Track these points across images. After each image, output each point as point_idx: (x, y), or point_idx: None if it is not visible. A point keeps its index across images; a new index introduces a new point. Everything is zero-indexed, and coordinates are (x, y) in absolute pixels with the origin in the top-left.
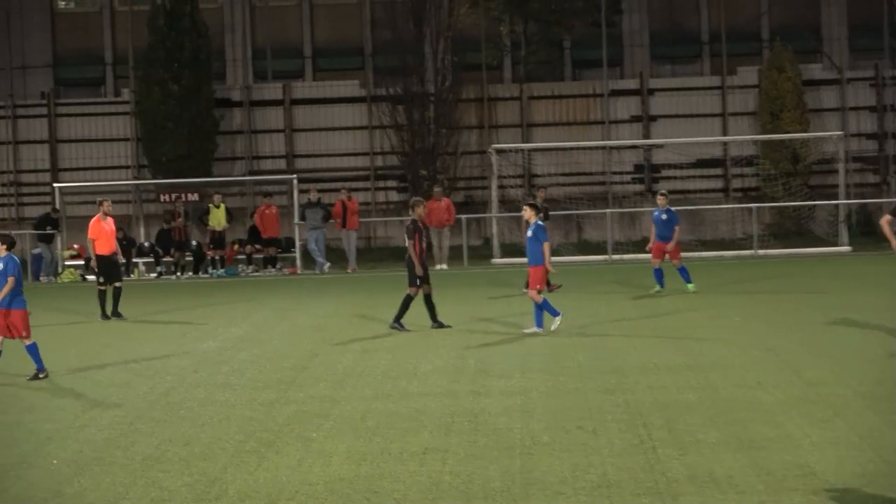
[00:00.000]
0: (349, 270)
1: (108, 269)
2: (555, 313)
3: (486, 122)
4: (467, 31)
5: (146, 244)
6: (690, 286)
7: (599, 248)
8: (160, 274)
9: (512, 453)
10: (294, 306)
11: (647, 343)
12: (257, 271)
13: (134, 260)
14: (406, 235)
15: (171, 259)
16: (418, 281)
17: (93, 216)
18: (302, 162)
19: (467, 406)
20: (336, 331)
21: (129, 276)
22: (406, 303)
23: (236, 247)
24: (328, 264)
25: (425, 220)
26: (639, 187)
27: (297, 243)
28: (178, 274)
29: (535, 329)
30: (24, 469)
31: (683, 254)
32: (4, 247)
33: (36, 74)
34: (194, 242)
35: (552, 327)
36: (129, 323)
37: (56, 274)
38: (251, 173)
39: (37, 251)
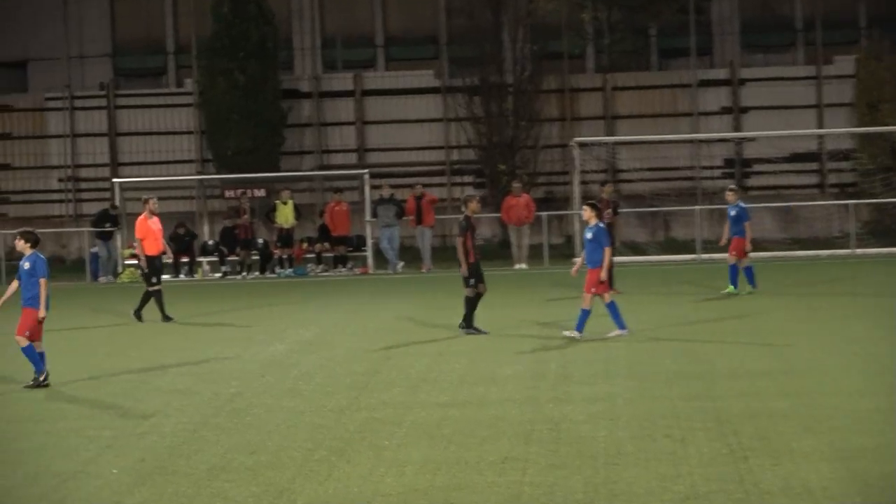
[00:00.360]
0: (424, 270)
1: (159, 269)
2: (581, 328)
3: (568, 114)
4: (548, 18)
5: (210, 242)
6: (730, 288)
7: (687, 247)
8: (225, 274)
9: (595, 463)
10: (365, 308)
11: (736, 347)
12: (327, 271)
13: (198, 259)
14: (458, 232)
15: (236, 258)
16: (473, 281)
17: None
18: (374, 156)
19: (548, 413)
20: (410, 333)
21: (192, 275)
22: (468, 304)
23: (305, 245)
24: (401, 263)
25: (503, 218)
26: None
27: (369, 241)
28: (244, 274)
29: (618, 332)
30: (83, 478)
31: (775, 253)
32: (28, 245)
33: (94, 64)
34: (261, 241)
35: (566, 332)
36: (192, 325)
37: (115, 273)
38: (320, 168)
39: (95, 250)
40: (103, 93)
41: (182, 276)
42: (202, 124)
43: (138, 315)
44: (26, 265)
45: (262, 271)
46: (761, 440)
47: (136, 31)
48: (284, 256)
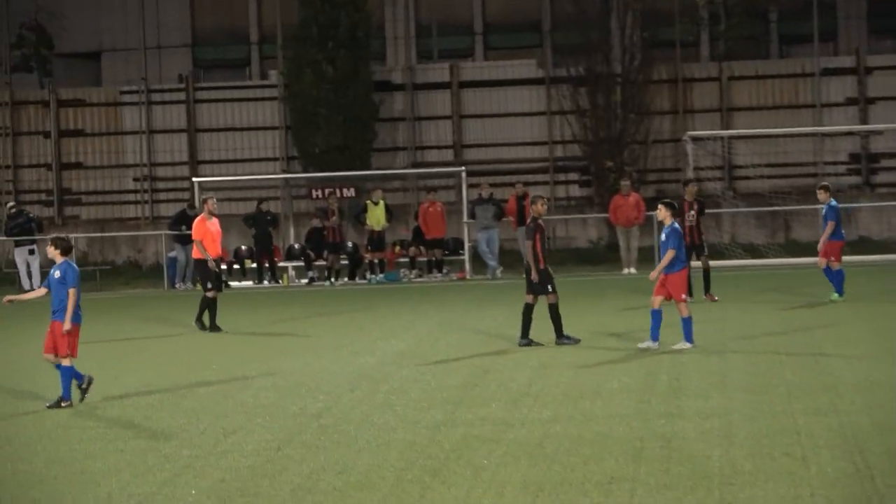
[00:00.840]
0: None
1: (217, 274)
2: (689, 338)
3: (681, 106)
4: (659, 2)
5: (296, 246)
6: (834, 296)
7: (810, 249)
8: (312, 280)
9: (710, 483)
10: (462, 316)
11: (862, 357)
12: (421, 277)
13: (282, 263)
14: (526, 236)
15: (324, 263)
16: (551, 288)
17: (239, 214)
18: (471, 152)
19: (659, 429)
20: (510, 344)
21: (276, 282)
22: (555, 315)
23: (398, 249)
24: (501, 268)
25: (611, 219)
26: (855, 179)
27: (467, 245)
28: (332, 280)
29: (648, 343)
30: (160, 501)
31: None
32: (59, 251)
33: (173, 55)
34: (350, 244)
35: (674, 346)
36: (276, 335)
37: (194, 280)
38: (414, 165)
39: (172, 254)
40: (182, 86)
41: (266, 283)
42: (287, 119)
43: (214, 328)
44: (57, 274)
45: (352, 277)
46: (890, 458)
47: (217, 19)
48: (375, 261)
